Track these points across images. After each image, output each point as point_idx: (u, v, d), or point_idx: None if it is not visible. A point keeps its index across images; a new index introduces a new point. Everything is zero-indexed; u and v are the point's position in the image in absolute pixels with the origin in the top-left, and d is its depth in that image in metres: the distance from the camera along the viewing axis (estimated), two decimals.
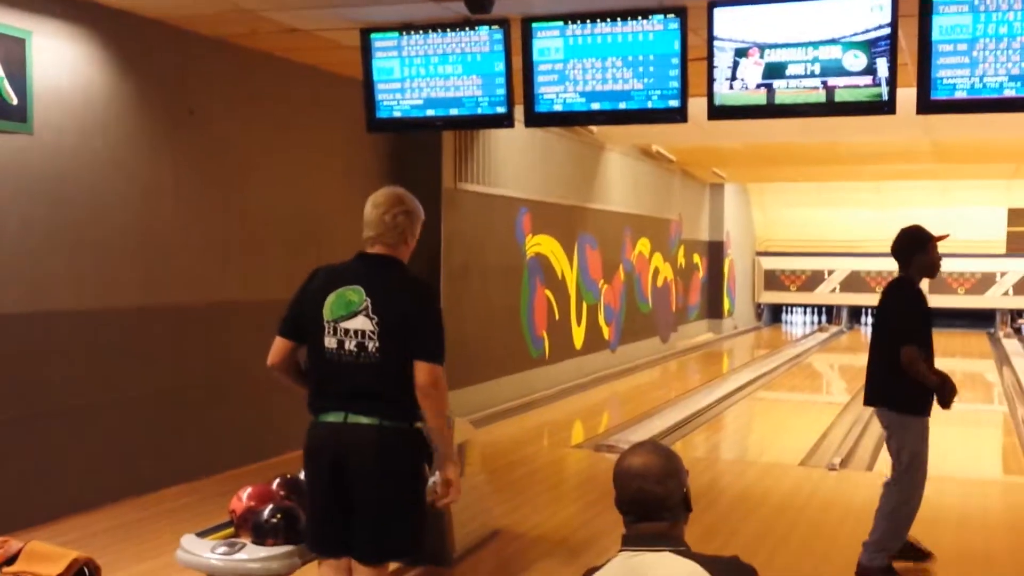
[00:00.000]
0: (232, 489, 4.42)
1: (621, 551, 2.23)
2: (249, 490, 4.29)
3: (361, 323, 3.45)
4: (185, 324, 6.64)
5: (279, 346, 3.73)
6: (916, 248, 4.98)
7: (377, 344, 3.41)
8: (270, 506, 4.11)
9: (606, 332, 12.98)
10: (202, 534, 4.05)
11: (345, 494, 3.44)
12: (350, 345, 3.45)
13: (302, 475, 4.57)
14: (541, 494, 6.57)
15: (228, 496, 4.24)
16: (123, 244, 6.14)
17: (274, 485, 4.41)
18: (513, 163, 10.27)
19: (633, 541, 2.22)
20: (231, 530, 4.11)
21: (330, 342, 3.50)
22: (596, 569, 2.25)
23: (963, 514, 6.21)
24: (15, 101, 5.40)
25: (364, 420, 3.42)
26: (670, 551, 2.16)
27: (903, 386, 4.77)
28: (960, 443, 8.95)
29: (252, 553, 3.87)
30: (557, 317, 11.38)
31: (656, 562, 2.15)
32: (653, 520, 2.21)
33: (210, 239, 6.83)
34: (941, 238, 5.05)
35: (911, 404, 4.83)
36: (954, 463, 8.00)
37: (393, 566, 3.90)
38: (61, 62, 5.72)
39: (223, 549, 3.89)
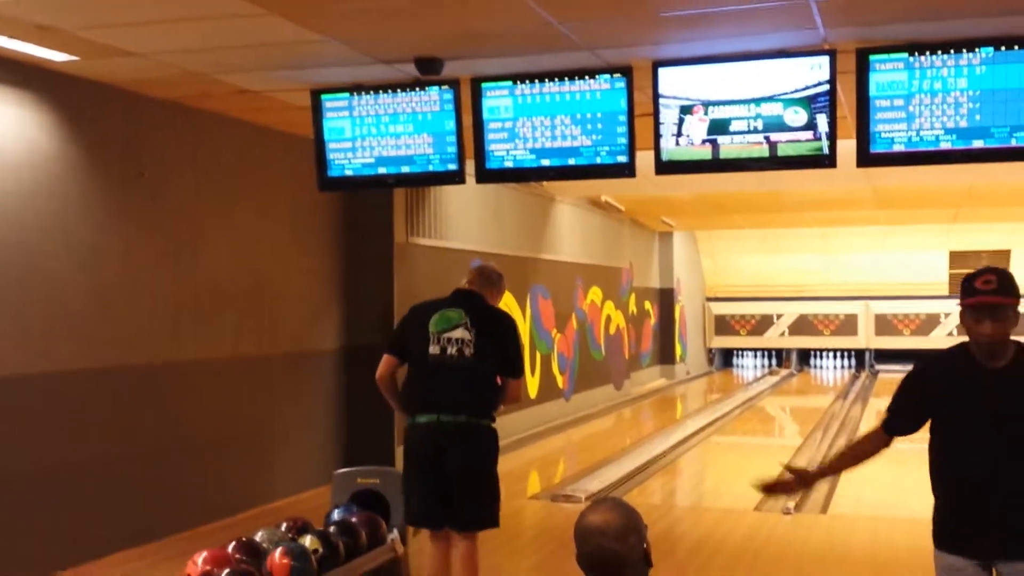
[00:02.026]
0: (186, 552, 4.38)
1: None
2: (205, 554, 4.26)
3: (461, 333, 4.42)
4: (133, 387, 6.56)
5: (386, 362, 4.62)
6: None
7: (472, 351, 4.40)
8: (227, 570, 4.08)
9: (560, 381, 13.03)
10: None
11: (442, 480, 4.38)
12: (451, 350, 4.40)
13: (258, 536, 4.55)
14: (498, 548, 6.55)
15: (181, 559, 4.20)
16: (68, 307, 6.06)
17: (230, 548, 4.38)
18: (464, 216, 10.35)
19: None
20: None
21: (434, 349, 4.43)
22: None
23: (915, 555, 6.30)
24: None
25: (454, 419, 4.37)
26: None
27: None
28: (909, 482, 9.07)
29: None
30: None
31: None
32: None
33: (159, 301, 6.78)
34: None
35: None
36: (904, 503, 8.12)
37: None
38: (4, 125, 5.70)
39: None
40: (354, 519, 4.68)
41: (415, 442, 4.48)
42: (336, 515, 4.87)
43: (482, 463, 4.49)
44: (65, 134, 6.08)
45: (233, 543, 4.39)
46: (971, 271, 3.19)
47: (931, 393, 3.30)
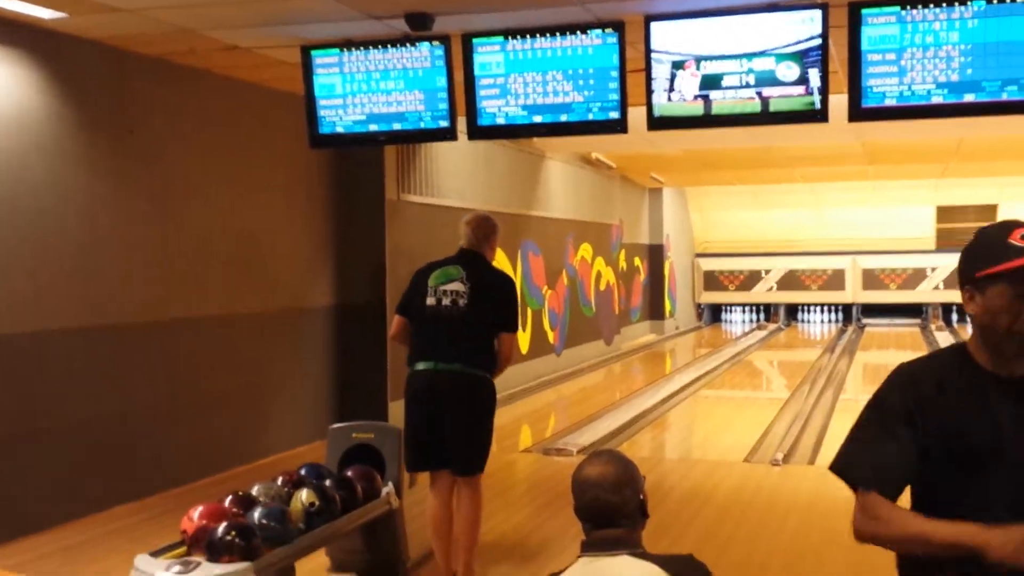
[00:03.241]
0: (182, 506, 4.42)
1: (580, 556, 2.31)
2: (201, 508, 4.29)
3: (456, 286, 4.62)
4: (127, 343, 6.59)
5: (397, 322, 4.85)
6: None
7: (466, 302, 4.59)
8: (224, 523, 4.12)
9: (551, 336, 13.10)
10: (155, 554, 4.04)
11: (437, 425, 4.59)
12: (445, 301, 4.60)
13: (254, 490, 4.60)
14: (492, 500, 6.61)
15: (178, 513, 4.23)
16: (60, 264, 6.08)
17: (226, 503, 4.42)
18: (455, 174, 10.34)
19: (592, 547, 2.30)
20: (184, 549, 4.11)
21: (430, 300, 4.64)
22: (557, 575, 2.33)
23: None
24: None
25: (449, 367, 4.56)
26: (628, 554, 2.25)
27: None
28: None
29: (207, 571, 3.87)
30: None
31: (615, 565, 2.23)
32: (611, 527, 2.29)
33: (151, 258, 6.79)
34: None
35: None
36: None
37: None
38: None
39: (178, 568, 3.88)
40: (349, 473, 4.72)
41: (413, 388, 4.69)
42: (332, 470, 4.92)
43: (474, 410, 4.65)
44: (55, 92, 6.05)
45: (229, 497, 4.42)
46: (989, 224, 2.26)
47: (924, 420, 2.05)
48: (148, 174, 6.76)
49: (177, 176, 7.02)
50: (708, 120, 5.48)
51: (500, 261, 11.32)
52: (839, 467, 2.13)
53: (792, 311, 21.52)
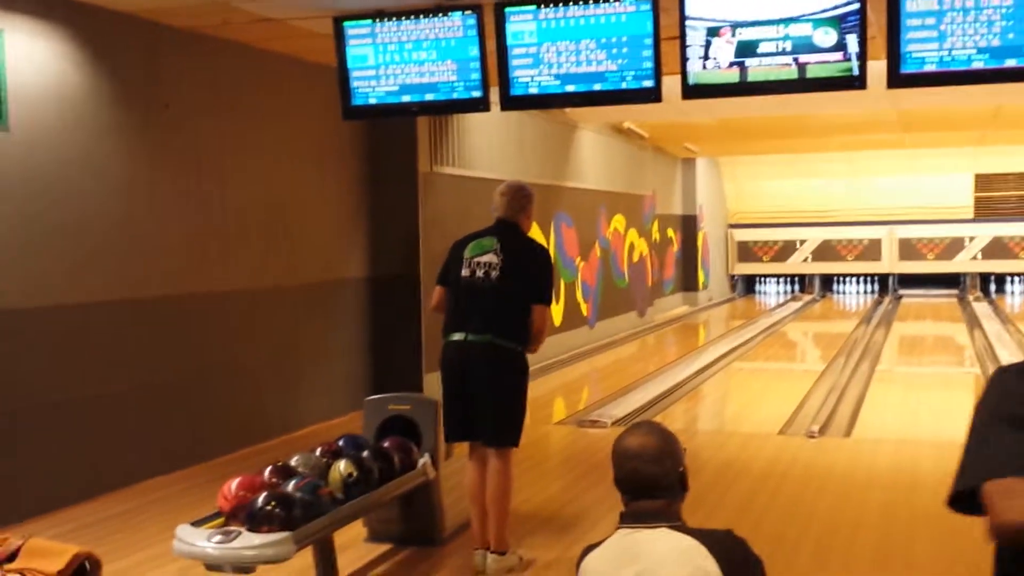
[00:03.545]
0: (220, 477, 4.47)
1: (619, 528, 2.30)
2: (238, 480, 4.33)
3: (490, 258, 4.62)
4: (163, 316, 6.65)
5: (437, 293, 4.87)
6: None
7: (499, 273, 4.58)
8: (264, 493, 4.15)
9: (584, 309, 13.07)
10: (196, 523, 4.08)
11: (469, 395, 4.60)
12: (479, 272, 4.60)
13: (293, 461, 4.64)
14: (527, 471, 6.65)
15: (218, 483, 4.28)
16: (101, 239, 6.14)
17: (265, 474, 4.45)
18: (487, 145, 10.30)
19: (630, 519, 2.29)
20: (222, 520, 4.15)
21: (465, 272, 4.65)
22: (595, 546, 2.32)
23: (939, 478, 6.36)
24: None
25: (479, 338, 4.55)
26: (667, 527, 2.24)
27: None
28: (933, 406, 9.13)
29: (248, 540, 3.91)
30: None
31: (653, 538, 2.22)
32: (650, 498, 2.28)
33: (187, 231, 6.83)
34: None
35: None
36: (927, 426, 8.17)
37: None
38: (33, 59, 5.70)
39: (219, 537, 3.92)
40: (386, 444, 4.75)
41: (446, 359, 4.72)
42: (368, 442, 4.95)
43: (503, 382, 4.61)
44: (90, 66, 6.08)
45: (268, 468, 4.45)
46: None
47: None
48: (181, 147, 6.79)
49: (210, 149, 7.05)
50: (744, 88, 5.41)
51: (534, 232, 11.30)
52: (962, 485, 1.74)
53: (827, 282, 21.33)
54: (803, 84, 5.28)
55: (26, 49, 5.65)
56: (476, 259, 4.64)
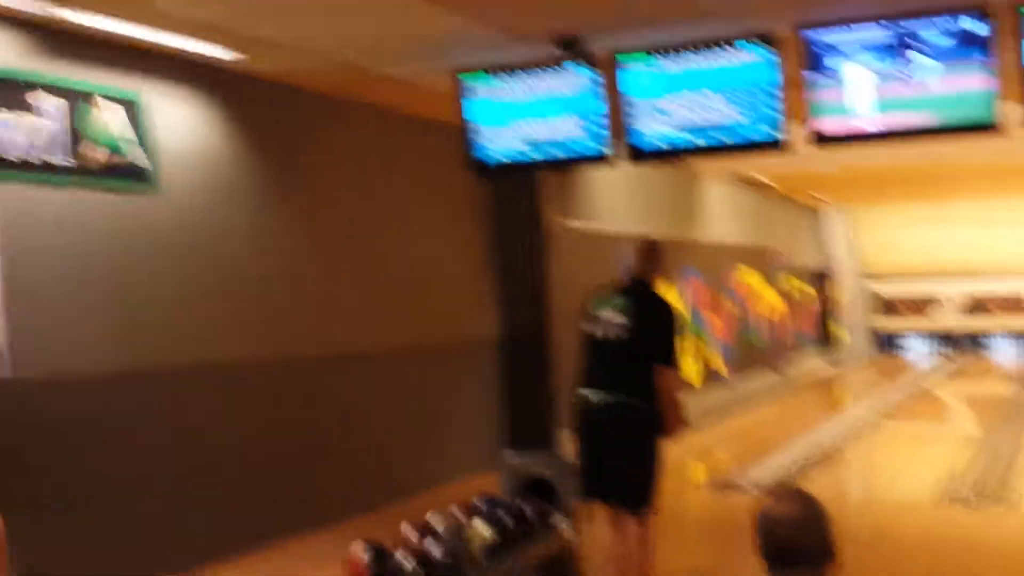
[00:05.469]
0: (351, 537, 4.42)
1: None
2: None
3: (617, 316, 4.60)
4: (299, 376, 6.75)
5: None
6: None
7: (625, 333, 4.55)
8: (406, 553, 4.09)
9: (717, 365, 12.75)
10: None
11: (599, 455, 4.58)
12: (608, 331, 4.60)
13: (430, 518, 4.57)
14: (666, 536, 6.41)
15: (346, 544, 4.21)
16: (238, 299, 6.30)
17: (403, 530, 4.38)
18: (612, 198, 10.22)
19: None
20: None
21: (593, 329, 4.67)
22: None
23: None
24: (146, 163, 5.61)
25: (607, 397, 4.53)
26: None
27: None
28: None
29: None
30: None
31: None
32: (795, 567, 2.14)
33: (322, 292, 6.95)
34: None
35: None
36: None
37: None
38: (180, 124, 5.96)
39: None
40: (525, 506, 4.69)
41: (577, 418, 4.71)
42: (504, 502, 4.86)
43: (633, 442, 4.55)
44: (232, 131, 6.30)
45: (405, 525, 4.37)
46: None
47: None
48: (317, 208, 6.95)
49: (341, 211, 7.19)
50: (880, 134, 5.17)
51: (662, 287, 11.10)
52: None
53: (975, 338, 20.28)
54: (943, 129, 5.03)
55: (174, 115, 5.91)
56: (604, 316, 4.64)
